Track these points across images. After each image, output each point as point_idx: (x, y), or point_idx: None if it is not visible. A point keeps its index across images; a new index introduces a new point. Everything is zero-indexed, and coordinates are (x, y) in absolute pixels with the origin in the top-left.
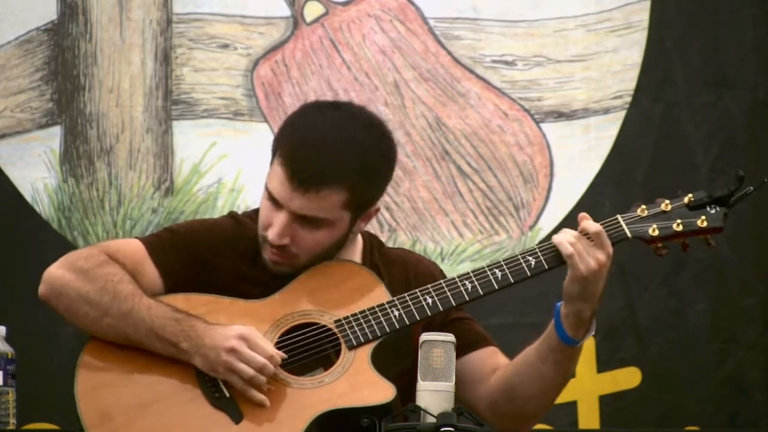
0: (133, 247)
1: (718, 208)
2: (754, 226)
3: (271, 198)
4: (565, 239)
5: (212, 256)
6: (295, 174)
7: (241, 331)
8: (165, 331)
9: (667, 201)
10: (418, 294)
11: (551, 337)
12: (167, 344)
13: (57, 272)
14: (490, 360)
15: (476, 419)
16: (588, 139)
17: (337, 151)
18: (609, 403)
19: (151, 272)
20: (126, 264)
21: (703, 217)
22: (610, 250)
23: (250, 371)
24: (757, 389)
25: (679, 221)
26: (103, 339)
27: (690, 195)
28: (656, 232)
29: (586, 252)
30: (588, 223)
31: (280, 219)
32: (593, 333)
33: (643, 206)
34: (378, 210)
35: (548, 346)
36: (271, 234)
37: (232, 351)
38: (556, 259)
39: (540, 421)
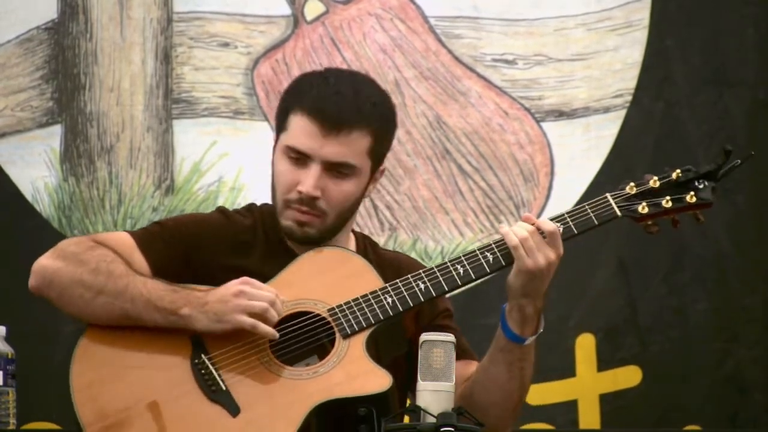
0: (123, 239)
1: (706, 183)
2: (756, 224)
3: (297, 154)
4: (513, 231)
5: (200, 250)
6: (327, 119)
7: (241, 279)
8: (164, 301)
9: (656, 177)
10: (411, 280)
11: (499, 336)
12: (167, 313)
13: (46, 262)
14: (463, 371)
15: (476, 419)
16: (588, 138)
17: (359, 97)
18: (609, 402)
19: (140, 264)
20: (116, 251)
21: (692, 193)
22: (561, 250)
23: (262, 304)
24: (757, 388)
25: (668, 197)
26: (98, 322)
27: (678, 171)
28: (646, 210)
29: (537, 247)
30: (544, 221)
31: (312, 171)
32: (541, 331)
33: (632, 184)
34: (383, 171)
35: (497, 346)
36: (305, 186)
37: (240, 293)
38: None
39: (540, 419)
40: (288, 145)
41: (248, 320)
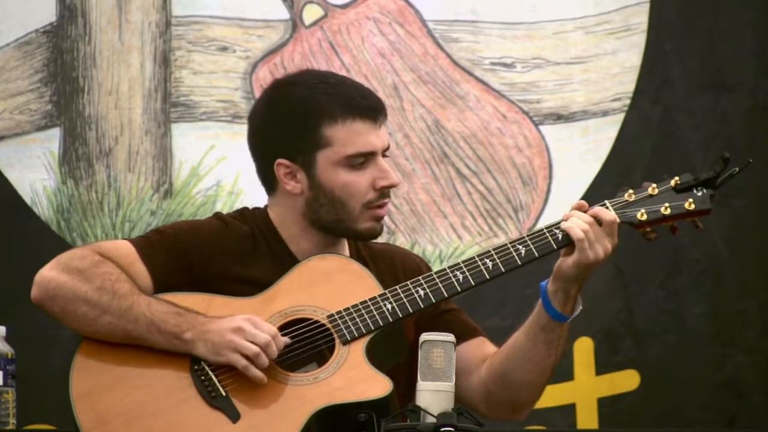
0: (124, 248)
1: (704, 190)
2: (753, 229)
3: (361, 160)
4: (577, 224)
5: (201, 258)
6: (371, 110)
7: (246, 315)
8: (167, 324)
9: (654, 185)
10: (410, 286)
11: (541, 316)
12: (169, 336)
13: (50, 274)
14: (480, 350)
15: (476, 419)
16: (587, 141)
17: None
18: (607, 406)
19: (141, 273)
20: (119, 264)
21: (691, 200)
22: (617, 240)
23: (254, 348)
24: (755, 392)
25: (666, 205)
26: (100, 339)
27: (676, 178)
28: (644, 217)
29: (596, 239)
30: (603, 211)
31: (382, 164)
32: (581, 308)
33: (630, 191)
34: None
35: (538, 326)
36: (390, 178)
37: (238, 330)
38: (546, 248)
39: (538, 422)
40: (349, 155)
41: (242, 362)
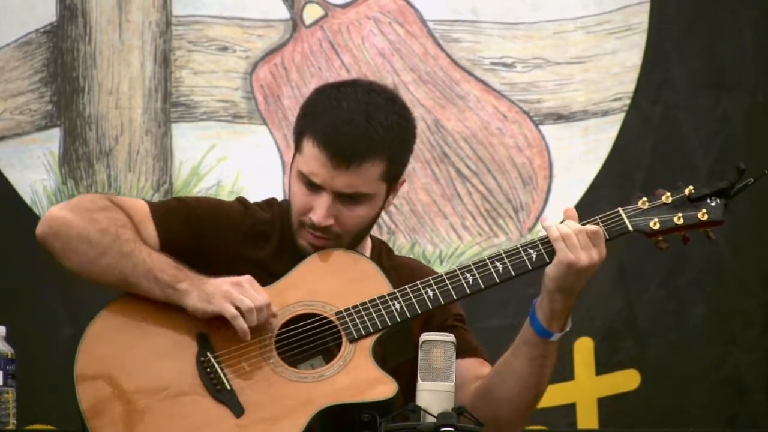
0: (138, 205)
1: (718, 200)
2: (754, 228)
3: (309, 182)
4: (557, 225)
5: (212, 231)
6: (337, 152)
7: (248, 277)
8: (165, 274)
9: (668, 193)
10: (419, 286)
11: (526, 330)
12: (164, 285)
13: (58, 213)
14: (474, 369)
15: (476, 419)
16: (587, 141)
17: (373, 124)
18: (608, 405)
19: (150, 233)
20: (129, 216)
21: (704, 210)
22: (604, 252)
23: (248, 302)
24: (756, 391)
25: (680, 214)
26: (95, 281)
27: (691, 187)
28: (657, 226)
29: (581, 246)
30: (588, 224)
31: (323, 200)
32: (567, 330)
33: (644, 199)
34: (404, 182)
35: (521, 339)
36: (317, 216)
37: (237, 284)
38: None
39: (538, 422)
40: (301, 170)
41: (232, 310)
